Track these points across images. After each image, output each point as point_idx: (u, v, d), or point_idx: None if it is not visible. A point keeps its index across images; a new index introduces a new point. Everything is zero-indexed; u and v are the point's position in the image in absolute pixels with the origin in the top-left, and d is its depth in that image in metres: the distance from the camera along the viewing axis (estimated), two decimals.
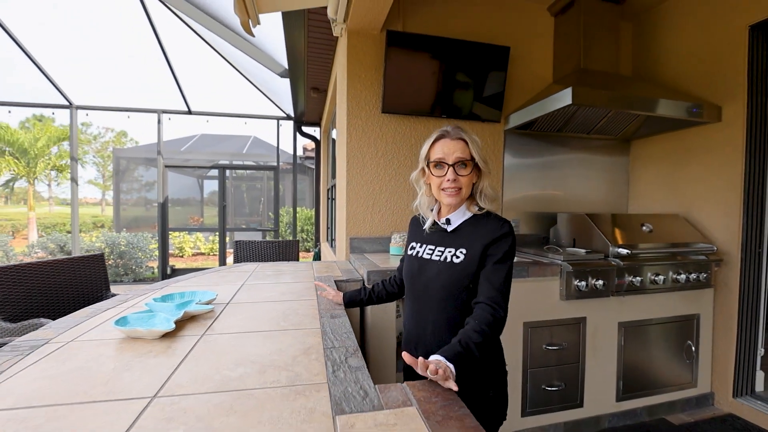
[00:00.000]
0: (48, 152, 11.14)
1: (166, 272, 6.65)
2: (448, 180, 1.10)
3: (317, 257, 6.21)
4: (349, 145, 2.66)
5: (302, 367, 0.91)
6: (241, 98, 6.55)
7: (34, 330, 1.40)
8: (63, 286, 2.07)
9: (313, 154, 8.05)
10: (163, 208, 6.54)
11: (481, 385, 1.12)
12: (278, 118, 6.84)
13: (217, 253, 7.15)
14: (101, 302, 1.56)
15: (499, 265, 1.08)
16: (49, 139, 10.80)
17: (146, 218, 10.02)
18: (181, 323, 1.23)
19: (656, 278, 2.38)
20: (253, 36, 2.43)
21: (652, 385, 2.49)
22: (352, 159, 2.66)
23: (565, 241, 2.79)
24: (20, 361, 0.94)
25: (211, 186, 10.10)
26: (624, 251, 2.33)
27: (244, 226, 9.73)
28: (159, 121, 6.51)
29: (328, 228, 5.38)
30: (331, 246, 4.52)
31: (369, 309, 1.97)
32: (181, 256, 9.65)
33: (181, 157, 8.10)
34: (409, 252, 1.27)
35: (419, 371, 0.81)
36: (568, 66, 2.83)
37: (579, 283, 2.22)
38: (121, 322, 1.13)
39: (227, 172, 7.80)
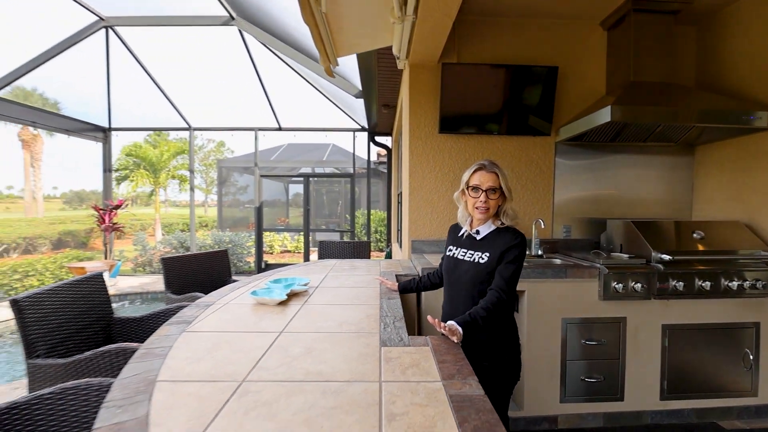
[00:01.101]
0: (168, 165, 13.40)
1: (261, 266, 7.77)
2: (481, 201, 1.53)
3: (389, 256, 6.80)
4: (411, 161, 3.13)
5: (365, 324, 1.43)
6: (322, 113, 7.47)
7: (194, 300, 2.11)
8: (203, 272, 2.88)
9: (385, 160, 8.65)
10: (259, 211, 7.67)
11: (498, 353, 1.52)
12: (354, 130, 7.60)
13: (302, 251, 8.12)
14: (232, 284, 2.25)
15: (510, 265, 1.47)
16: (171, 154, 13.01)
17: (241, 219, 11.59)
18: (289, 297, 1.83)
19: (703, 284, 2.45)
20: (334, 77, 3.02)
21: (701, 388, 2.54)
22: (413, 173, 3.13)
23: (614, 246, 2.94)
24: (203, 312, 1.59)
25: (295, 189, 11.37)
26: (666, 257, 2.46)
27: (324, 227, 10.77)
28: (255, 138, 7.66)
29: (398, 230, 5.90)
30: (400, 246, 5.03)
31: (423, 297, 2.43)
32: (271, 253, 10.96)
33: (270, 165, 9.34)
34: (448, 253, 1.72)
35: (436, 328, 1.26)
36: (619, 79, 2.96)
37: (617, 285, 2.42)
38: (254, 293, 1.75)
39: (310, 179, 8.80)
